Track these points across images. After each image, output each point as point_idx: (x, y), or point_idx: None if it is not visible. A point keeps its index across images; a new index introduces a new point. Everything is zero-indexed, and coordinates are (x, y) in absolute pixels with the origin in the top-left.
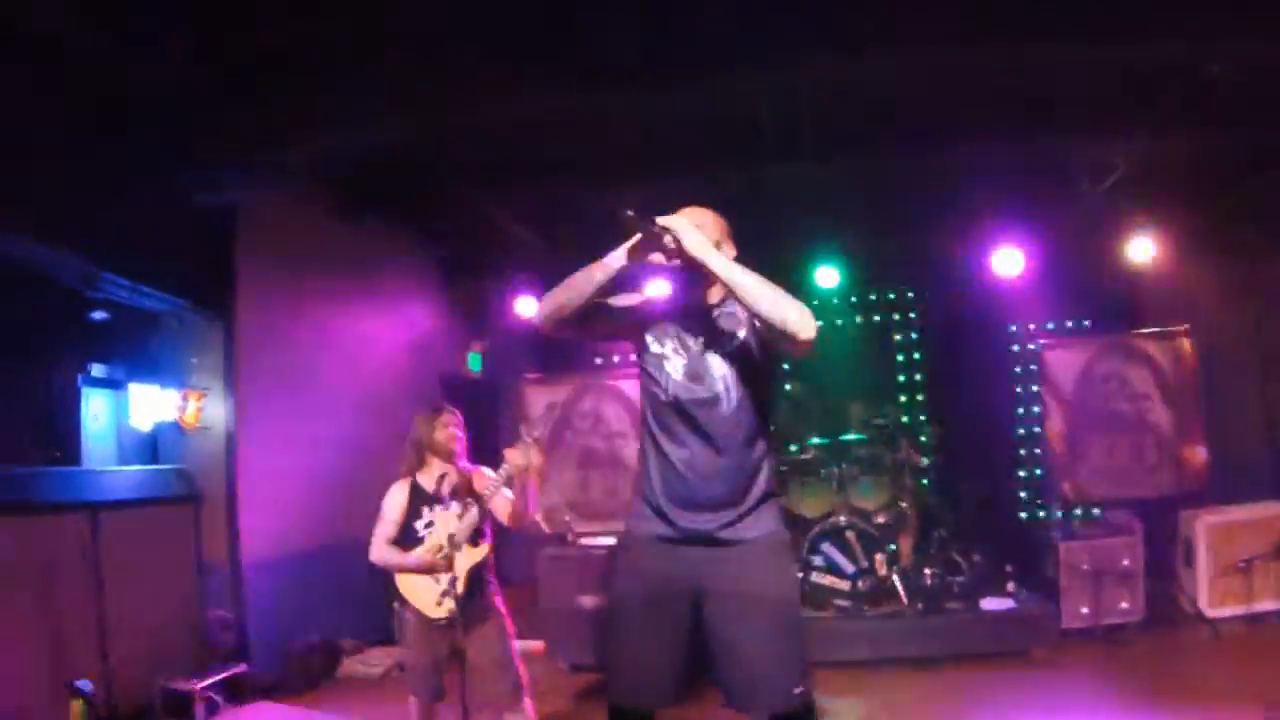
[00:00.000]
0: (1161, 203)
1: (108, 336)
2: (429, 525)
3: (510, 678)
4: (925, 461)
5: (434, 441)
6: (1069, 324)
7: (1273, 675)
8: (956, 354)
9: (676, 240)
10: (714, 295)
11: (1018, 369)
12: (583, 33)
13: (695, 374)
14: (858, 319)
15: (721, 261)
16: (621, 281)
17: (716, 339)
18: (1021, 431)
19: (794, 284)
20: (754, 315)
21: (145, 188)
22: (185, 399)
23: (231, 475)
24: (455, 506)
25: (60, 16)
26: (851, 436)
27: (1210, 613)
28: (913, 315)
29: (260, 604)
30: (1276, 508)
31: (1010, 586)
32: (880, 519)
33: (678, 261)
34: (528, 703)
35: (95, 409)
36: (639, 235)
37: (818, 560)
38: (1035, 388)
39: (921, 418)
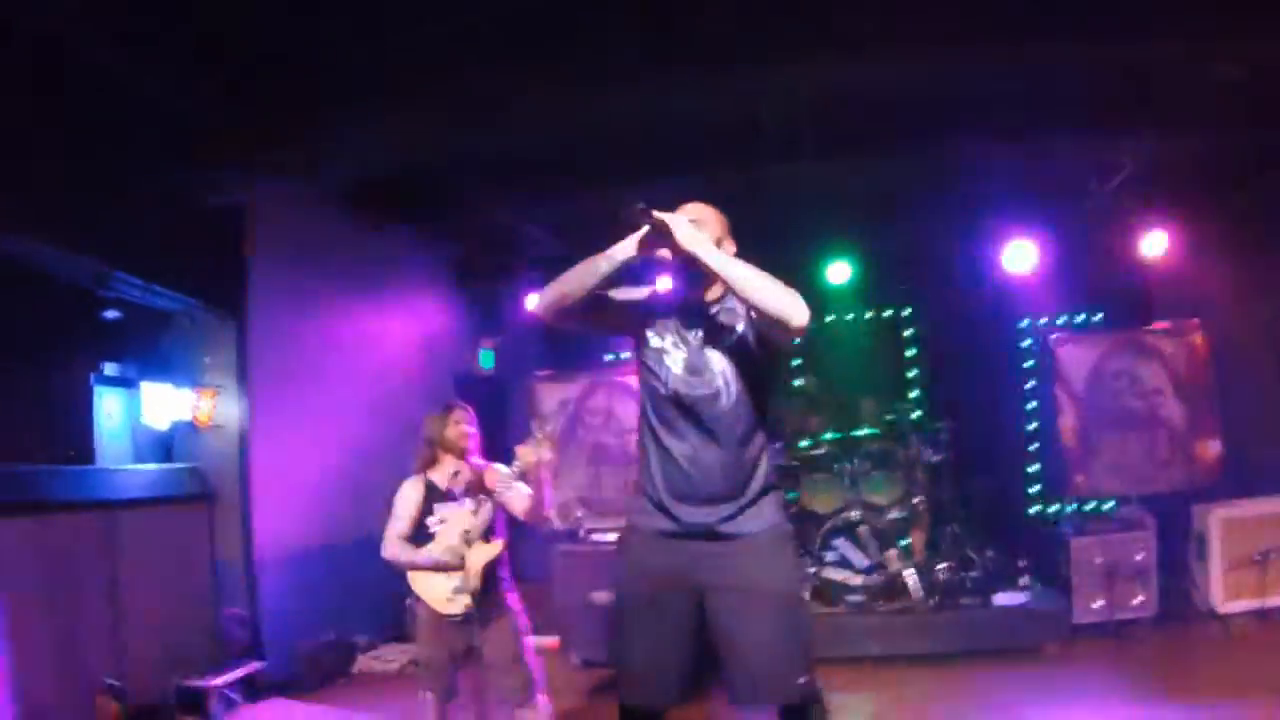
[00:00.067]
0: (1174, 198)
1: (120, 335)
2: (442, 522)
3: (524, 674)
4: (937, 457)
5: (446, 438)
6: (1080, 319)
7: None
8: (967, 350)
9: (669, 233)
10: (714, 291)
11: (1029, 365)
12: (583, 33)
13: (695, 368)
14: (867, 315)
15: (712, 253)
16: (623, 275)
17: (716, 333)
18: (1033, 427)
19: (802, 281)
20: (748, 305)
21: (156, 188)
22: (198, 397)
23: (245, 473)
24: (468, 503)
25: (65, 17)
26: (864, 432)
27: (1223, 607)
28: (922, 312)
29: (274, 601)
30: None
31: (1023, 582)
32: (892, 514)
33: (675, 256)
34: (541, 698)
35: (109, 408)
36: (646, 228)
37: (830, 556)
38: (1047, 383)
39: (933, 414)
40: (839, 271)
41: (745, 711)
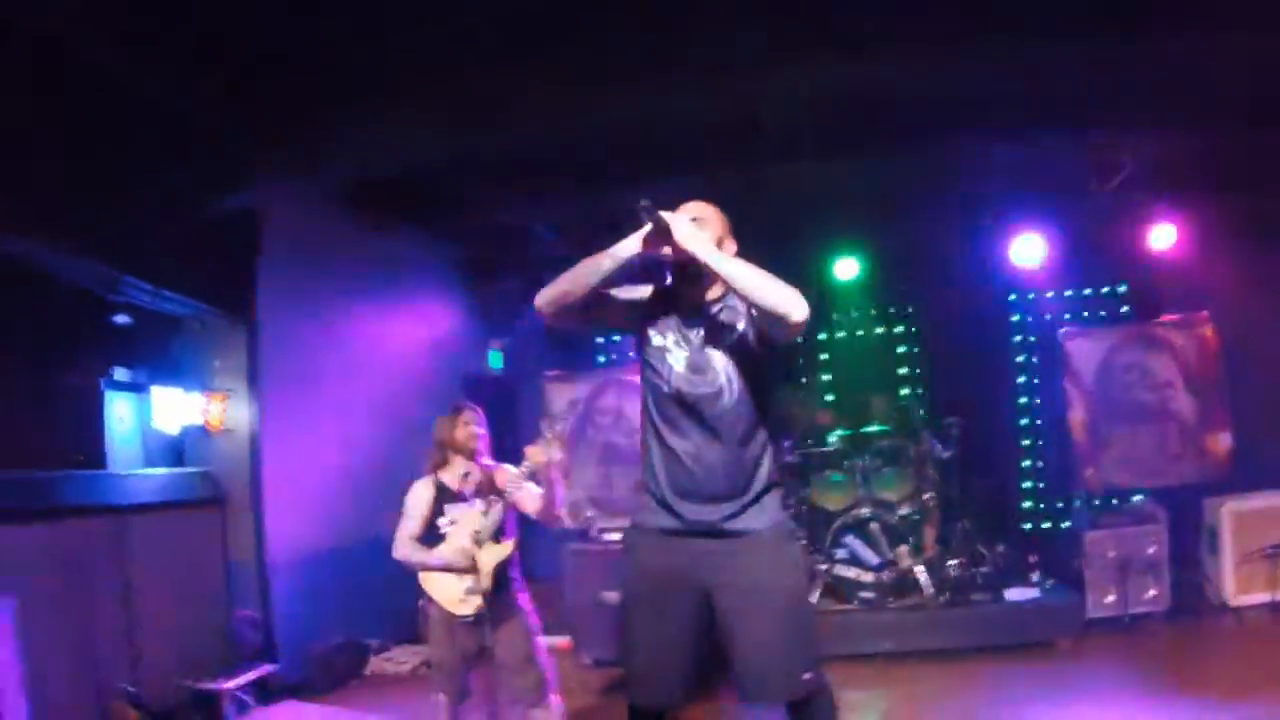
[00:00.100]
0: (1182, 190)
1: (130, 340)
2: (453, 523)
3: (536, 674)
4: (947, 453)
5: (456, 440)
6: (1089, 313)
7: None
8: (976, 345)
9: (668, 231)
10: (715, 290)
11: (1038, 359)
12: (583, 33)
13: (697, 367)
14: (873, 312)
15: (710, 252)
16: (625, 273)
17: (717, 332)
18: (1043, 421)
19: (805, 280)
20: (747, 302)
21: (157, 188)
22: (209, 401)
23: (256, 476)
24: (478, 504)
25: (65, 17)
26: (873, 428)
27: (1235, 601)
28: (926, 309)
29: (287, 604)
30: None
31: (1035, 577)
32: (903, 510)
33: (676, 254)
34: (553, 698)
35: (119, 413)
36: (649, 225)
37: (841, 553)
38: (1056, 378)
39: (941, 410)
40: (846, 268)
41: (754, 707)
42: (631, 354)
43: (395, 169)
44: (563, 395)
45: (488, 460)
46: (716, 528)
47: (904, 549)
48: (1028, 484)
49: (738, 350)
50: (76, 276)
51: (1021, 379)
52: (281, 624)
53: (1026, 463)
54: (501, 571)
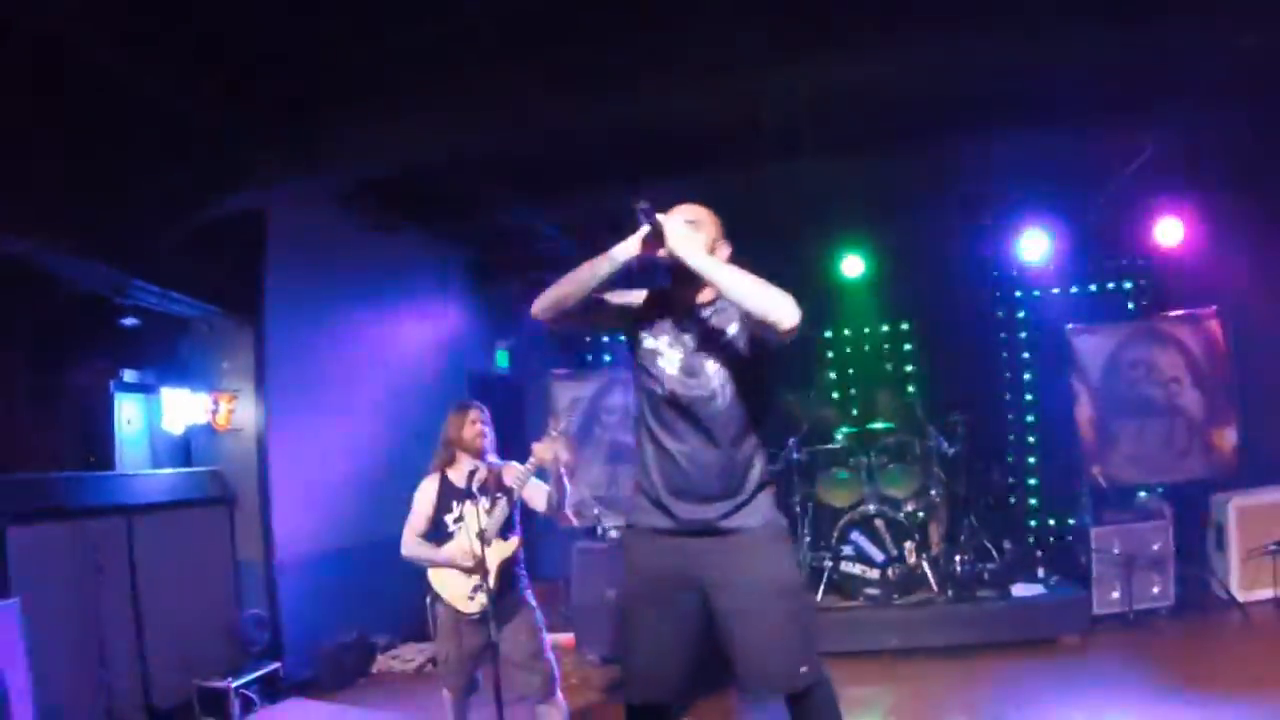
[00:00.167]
0: (1189, 186)
1: (139, 342)
2: (459, 520)
3: (542, 671)
4: (952, 450)
5: (462, 438)
6: (1096, 309)
7: None
8: (981, 342)
9: (661, 235)
10: (707, 294)
11: (1045, 355)
12: (583, 33)
13: (691, 370)
14: (876, 309)
15: (700, 257)
16: (621, 275)
17: (710, 335)
18: (1049, 417)
19: (808, 279)
20: (739, 308)
21: (167, 193)
22: (216, 402)
23: (264, 476)
24: (484, 501)
25: (65, 17)
26: (879, 425)
27: (1242, 596)
28: (929, 307)
29: (294, 602)
30: None
31: (1041, 573)
32: (910, 507)
33: (670, 258)
34: (559, 695)
35: (128, 413)
36: (647, 227)
37: (847, 549)
38: (1063, 374)
39: (945, 406)
40: (852, 265)
41: (756, 699)
42: (624, 356)
43: (395, 169)
44: (569, 394)
45: (494, 458)
46: (711, 526)
47: (910, 545)
48: (1034, 480)
49: (731, 353)
50: (86, 280)
51: (1028, 375)
52: (289, 622)
53: (1033, 459)
54: (507, 568)
